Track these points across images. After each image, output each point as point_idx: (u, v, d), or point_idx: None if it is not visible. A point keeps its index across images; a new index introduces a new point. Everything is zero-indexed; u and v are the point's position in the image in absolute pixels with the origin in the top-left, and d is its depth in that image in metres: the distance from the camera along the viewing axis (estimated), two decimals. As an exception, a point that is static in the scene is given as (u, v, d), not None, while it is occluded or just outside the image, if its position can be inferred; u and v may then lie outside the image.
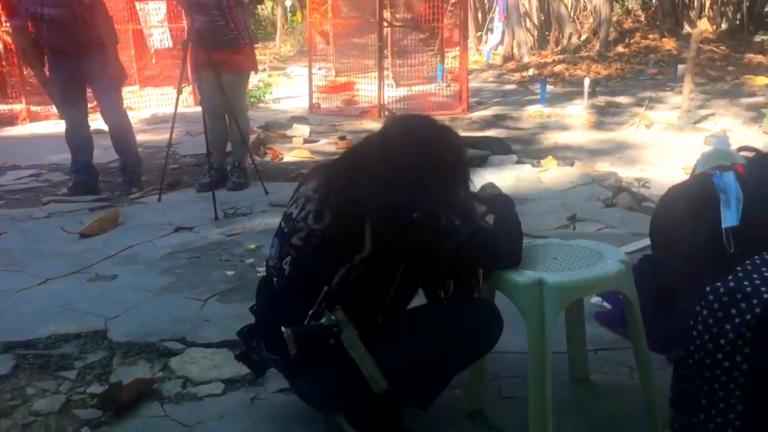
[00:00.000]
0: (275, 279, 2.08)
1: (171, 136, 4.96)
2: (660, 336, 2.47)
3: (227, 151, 5.39)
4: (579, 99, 9.92)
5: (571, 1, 15.08)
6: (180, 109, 5.21)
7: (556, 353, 2.13)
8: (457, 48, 13.21)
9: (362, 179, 1.97)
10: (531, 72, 12.61)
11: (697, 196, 2.63)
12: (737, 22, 14.76)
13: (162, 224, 4.34)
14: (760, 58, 12.75)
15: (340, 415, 2.12)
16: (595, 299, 2.92)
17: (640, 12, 15.67)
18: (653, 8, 15.16)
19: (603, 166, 6.40)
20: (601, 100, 9.78)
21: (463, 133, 7.57)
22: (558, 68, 12.52)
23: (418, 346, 1.98)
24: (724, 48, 13.31)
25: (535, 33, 14.78)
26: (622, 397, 2.31)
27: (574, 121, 8.84)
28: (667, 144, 7.66)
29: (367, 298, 2.01)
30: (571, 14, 14.80)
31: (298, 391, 2.15)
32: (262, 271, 3.48)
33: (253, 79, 12.13)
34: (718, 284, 1.95)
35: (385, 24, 9.63)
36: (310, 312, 1.95)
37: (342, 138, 8.11)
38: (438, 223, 1.91)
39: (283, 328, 1.92)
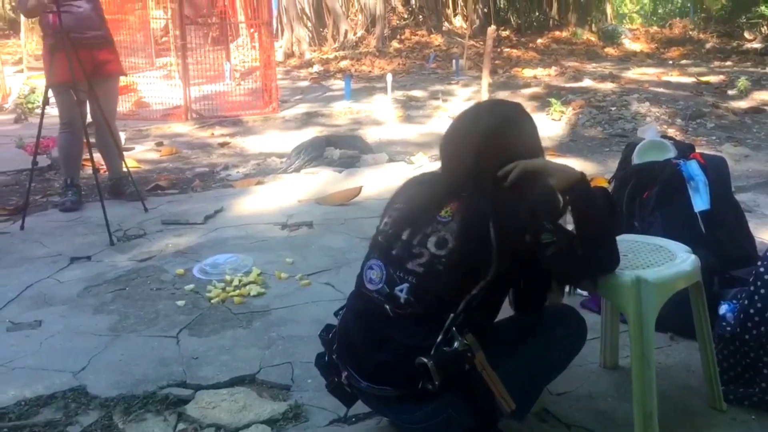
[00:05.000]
0: (388, 307, 1.96)
1: (35, 152, 4.31)
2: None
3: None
4: (379, 94, 10.27)
5: (341, -1, 15.48)
6: None
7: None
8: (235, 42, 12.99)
9: (494, 205, 1.92)
10: (317, 69, 12.75)
11: (666, 184, 2.93)
12: (485, 20, 16.20)
13: (50, 256, 3.78)
14: (516, 52, 14.16)
15: (445, 439, 2.08)
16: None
17: (402, 9, 16.51)
18: (418, 6, 16.07)
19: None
20: (399, 94, 10.21)
21: (315, 132, 7.52)
22: (343, 64, 12.81)
23: (520, 360, 2.01)
24: (482, 43, 14.54)
25: (311, 28, 14.94)
26: (664, 376, 2.52)
27: (383, 116, 9.13)
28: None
29: (487, 319, 2.00)
30: (343, 10, 15.18)
31: (408, 421, 2.04)
32: (212, 296, 3.26)
33: (15, 83, 10.84)
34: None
35: (187, 22, 9.13)
36: (438, 339, 1.89)
37: (160, 144, 7.62)
38: (561, 248, 1.93)
39: (424, 359, 1.83)
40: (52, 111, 5.55)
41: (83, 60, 4.29)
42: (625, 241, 2.30)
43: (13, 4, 19.46)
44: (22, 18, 15.24)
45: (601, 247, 2.00)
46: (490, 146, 1.99)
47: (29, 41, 16.97)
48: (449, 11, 16.85)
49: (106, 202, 4.18)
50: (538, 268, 1.97)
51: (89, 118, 4.68)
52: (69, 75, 4.12)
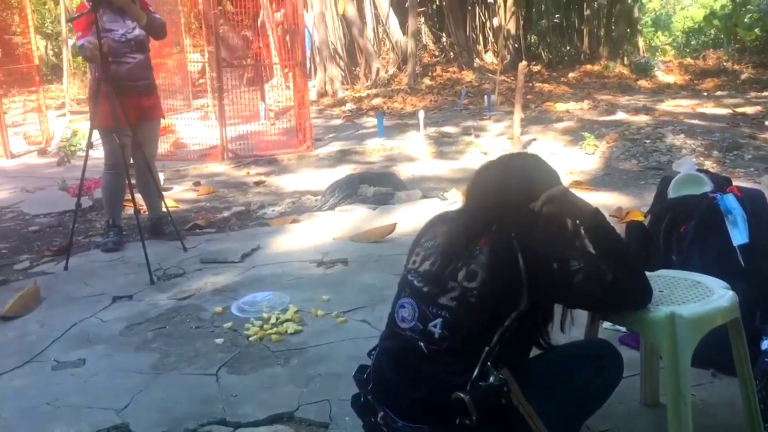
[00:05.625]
0: (422, 344, 1.98)
1: (80, 194, 4.45)
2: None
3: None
4: (412, 131, 10.35)
5: (372, 37, 15.67)
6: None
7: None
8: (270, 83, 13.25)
9: (520, 234, 1.94)
10: (350, 107, 12.92)
11: (703, 218, 2.92)
12: (516, 55, 16.31)
13: (93, 295, 3.88)
14: (547, 86, 14.19)
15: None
16: (607, 323, 3.10)
17: (433, 47, 16.72)
18: (449, 43, 16.25)
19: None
20: (432, 131, 10.28)
21: (349, 170, 7.62)
22: (375, 102, 12.96)
23: (557, 395, 2.01)
24: (514, 78, 14.61)
25: (343, 67, 15.17)
26: (706, 414, 2.48)
27: (416, 152, 9.20)
28: (513, 169, 8.24)
29: (521, 353, 2.01)
30: (375, 49, 15.39)
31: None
32: (250, 334, 3.30)
33: (58, 127, 11.14)
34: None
35: (224, 64, 9.34)
36: (475, 374, 1.90)
37: (197, 184, 7.77)
38: (589, 274, 1.94)
39: (460, 394, 1.84)
40: (94, 153, 5.72)
41: (131, 106, 4.46)
42: (662, 276, 2.30)
43: (56, 50, 20.13)
44: (65, 64, 15.78)
45: (626, 276, 2.00)
46: (519, 185, 2.06)
47: (71, 86, 17.52)
48: (480, 47, 16.99)
49: (146, 241, 4.28)
50: (567, 298, 1.99)
51: (131, 160, 4.82)
52: (112, 119, 4.27)
